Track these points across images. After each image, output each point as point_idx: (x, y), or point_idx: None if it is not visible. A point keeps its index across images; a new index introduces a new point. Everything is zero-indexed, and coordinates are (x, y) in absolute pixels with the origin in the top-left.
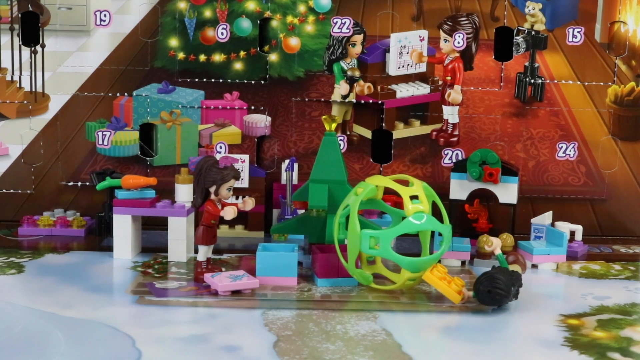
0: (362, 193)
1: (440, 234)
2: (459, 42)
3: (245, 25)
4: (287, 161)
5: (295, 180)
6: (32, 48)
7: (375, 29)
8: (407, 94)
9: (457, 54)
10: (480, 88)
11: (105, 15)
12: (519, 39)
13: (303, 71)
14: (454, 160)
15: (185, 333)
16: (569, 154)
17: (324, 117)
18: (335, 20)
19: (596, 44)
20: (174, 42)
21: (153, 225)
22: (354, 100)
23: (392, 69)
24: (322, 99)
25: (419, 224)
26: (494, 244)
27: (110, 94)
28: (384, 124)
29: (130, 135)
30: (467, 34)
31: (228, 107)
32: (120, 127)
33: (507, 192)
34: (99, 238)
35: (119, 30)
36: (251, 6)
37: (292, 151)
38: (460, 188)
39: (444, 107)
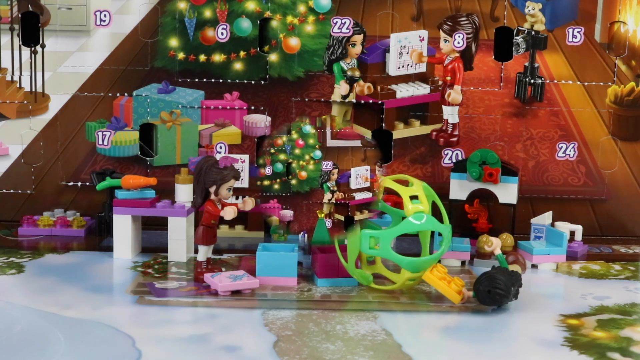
0: None
1: (440, 234)
2: (459, 42)
3: (245, 25)
4: None
5: None
6: (32, 48)
7: (375, 29)
8: (407, 94)
9: (457, 54)
10: (480, 88)
11: (105, 15)
12: (519, 39)
13: (303, 71)
14: (454, 160)
15: (185, 333)
16: (569, 154)
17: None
18: (335, 21)
19: (596, 44)
20: (174, 42)
21: (153, 225)
22: (354, 101)
23: (392, 69)
24: (322, 99)
25: (419, 224)
26: (494, 244)
27: (110, 94)
28: (384, 124)
29: (130, 135)
30: (467, 34)
31: (228, 107)
32: (120, 127)
33: (507, 192)
34: (99, 238)
35: (119, 30)
36: (251, 6)
37: None
38: (460, 188)
39: (443, 107)
